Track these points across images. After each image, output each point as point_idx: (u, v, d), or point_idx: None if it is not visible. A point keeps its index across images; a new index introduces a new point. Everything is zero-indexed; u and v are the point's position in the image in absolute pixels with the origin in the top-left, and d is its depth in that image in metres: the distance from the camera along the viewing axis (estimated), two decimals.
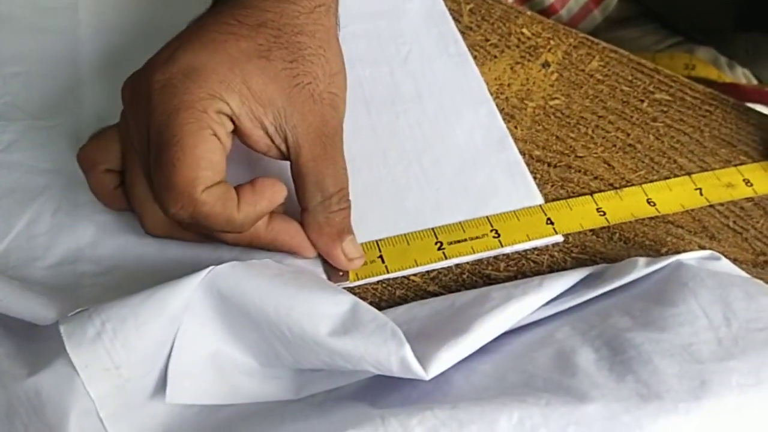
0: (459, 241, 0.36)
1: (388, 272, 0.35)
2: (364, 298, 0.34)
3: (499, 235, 0.37)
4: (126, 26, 0.45)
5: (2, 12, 0.45)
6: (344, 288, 0.34)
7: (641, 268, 0.33)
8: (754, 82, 0.70)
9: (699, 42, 0.68)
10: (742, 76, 0.69)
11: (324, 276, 0.34)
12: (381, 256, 0.36)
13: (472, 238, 0.37)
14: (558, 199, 0.39)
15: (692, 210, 0.39)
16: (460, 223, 0.37)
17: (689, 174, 0.41)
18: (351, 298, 0.29)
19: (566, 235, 0.38)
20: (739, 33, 0.65)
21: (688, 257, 0.34)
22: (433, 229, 0.37)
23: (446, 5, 0.49)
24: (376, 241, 0.36)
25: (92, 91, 0.41)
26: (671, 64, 0.67)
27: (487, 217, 0.38)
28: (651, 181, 0.40)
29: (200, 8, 0.35)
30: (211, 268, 0.29)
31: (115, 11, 0.46)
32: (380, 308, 0.34)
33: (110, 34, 0.44)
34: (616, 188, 0.40)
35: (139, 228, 0.35)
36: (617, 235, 0.38)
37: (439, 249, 0.36)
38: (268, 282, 0.29)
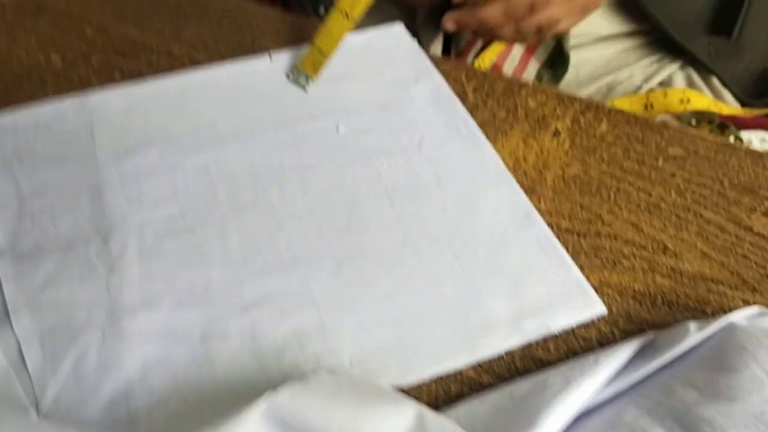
0: None
1: None
2: (419, 398, 0.34)
3: None
4: (142, 145, 0.46)
5: (20, 148, 0.46)
6: (398, 388, 0.34)
7: (693, 333, 0.33)
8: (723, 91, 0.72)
9: (671, 57, 0.71)
10: (719, 84, 0.71)
11: None
12: None
13: None
14: (593, 269, 0.39)
15: (729, 264, 0.39)
16: None
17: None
18: (414, 408, 0.29)
19: (609, 307, 0.38)
20: (703, 36, 0.68)
21: (737, 317, 0.34)
22: None
23: (450, 87, 0.50)
24: None
25: (120, 214, 0.42)
26: (666, 102, 0.69)
27: None
28: (681, 239, 0.41)
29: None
30: (269, 397, 0.28)
31: (129, 133, 0.47)
32: (438, 408, 0.33)
33: (129, 155, 0.45)
34: (648, 251, 0.40)
35: (187, 355, 0.35)
36: (660, 299, 0.38)
37: None
38: (330, 403, 0.28)
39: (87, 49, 0.54)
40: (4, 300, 0.38)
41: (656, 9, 0.66)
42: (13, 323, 0.37)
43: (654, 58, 0.74)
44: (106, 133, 0.47)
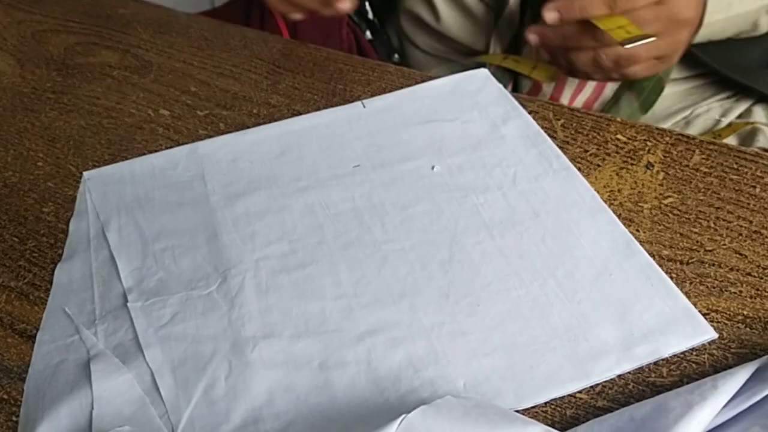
0: None
1: None
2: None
3: None
4: (251, 189, 0.49)
5: (139, 195, 0.50)
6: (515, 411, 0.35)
7: None
8: None
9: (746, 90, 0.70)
10: None
11: None
12: None
13: None
14: (700, 295, 0.40)
15: None
16: None
17: None
18: (541, 428, 0.30)
19: (720, 331, 0.38)
20: (765, 70, 0.67)
21: None
22: None
23: (539, 124, 0.52)
24: None
25: (236, 254, 0.44)
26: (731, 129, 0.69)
27: None
28: None
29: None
30: (402, 417, 0.30)
31: (238, 178, 0.50)
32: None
33: (240, 198, 0.48)
34: (754, 276, 0.40)
35: (309, 381, 0.36)
36: None
37: None
38: (460, 424, 0.30)
39: (192, 102, 0.58)
40: (134, 335, 0.41)
41: (715, 60, 0.67)
42: (146, 355, 0.39)
43: (729, 92, 0.74)
44: (217, 178, 0.50)
